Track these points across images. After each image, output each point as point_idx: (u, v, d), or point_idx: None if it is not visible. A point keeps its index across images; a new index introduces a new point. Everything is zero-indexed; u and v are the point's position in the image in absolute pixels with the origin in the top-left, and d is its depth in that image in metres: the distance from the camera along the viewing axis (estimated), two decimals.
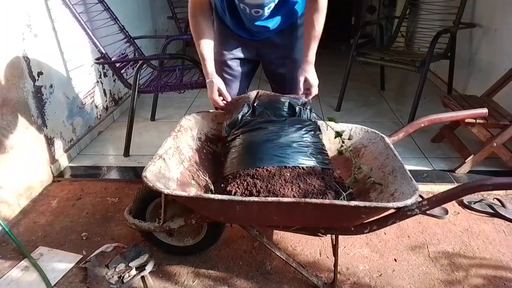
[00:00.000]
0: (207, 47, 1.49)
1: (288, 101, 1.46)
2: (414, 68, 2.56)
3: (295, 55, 1.61)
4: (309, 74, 1.49)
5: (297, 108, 1.45)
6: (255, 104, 1.48)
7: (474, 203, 1.84)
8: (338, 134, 1.51)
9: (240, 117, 1.45)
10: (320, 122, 1.52)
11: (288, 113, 1.45)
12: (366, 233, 1.25)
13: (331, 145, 1.57)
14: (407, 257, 1.57)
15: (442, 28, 2.62)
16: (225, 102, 1.53)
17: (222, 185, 1.33)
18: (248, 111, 1.47)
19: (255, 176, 1.28)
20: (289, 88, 1.62)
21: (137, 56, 2.57)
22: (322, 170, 1.32)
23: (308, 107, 1.48)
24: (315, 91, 1.51)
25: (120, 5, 2.79)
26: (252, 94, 1.52)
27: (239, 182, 1.28)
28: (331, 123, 1.53)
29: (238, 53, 1.63)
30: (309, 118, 1.46)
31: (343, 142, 1.51)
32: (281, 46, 1.60)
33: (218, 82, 1.50)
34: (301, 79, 1.49)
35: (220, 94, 1.52)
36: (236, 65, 1.65)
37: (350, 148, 1.49)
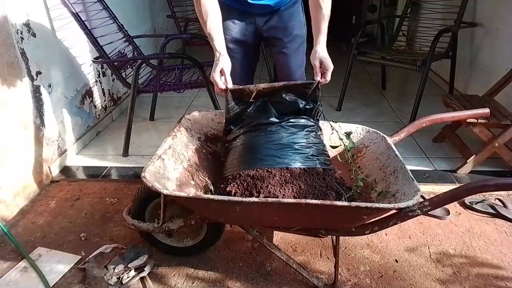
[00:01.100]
0: (214, 25, 1.42)
1: (295, 99, 1.42)
2: (415, 68, 2.55)
3: (293, 31, 1.66)
4: (324, 57, 1.40)
5: (301, 106, 1.41)
6: (257, 99, 1.43)
7: (475, 204, 1.83)
8: (334, 147, 1.51)
9: (240, 111, 1.41)
10: (320, 122, 1.50)
11: (291, 110, 1.42)
12: (367, 234, 1.24)
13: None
14: (408, 258, 1.55)
15: (443, 27, 2.61)
16: (225, 86, 1.40)
17: (222, 185, 1.32)
18: (250, 106, 1.43)
19: (255, 176, 1.27)
20: (291, 66, 1.67)
21: (136, 55, 2.56)
22: (323, 171, 1.31)
23: (319, 101, 1.42)
24: (329, 76, 1.41)
25: (119, 4, 2.78)
26: (254, 87, 1.44)
27: (239, 182, 1.27)
28: (335, 125, 1.50)
29: (237, 33, 1.62)
30: (314, 114, 1.43)
31: (347, 151, 1.46)
32: (279, 23, 1.63)
33: (223, 62, 1.39)
34: (317, 63, 1.40)
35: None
36: (236, 48, 1.64)
37: (350, 161, 1.46)
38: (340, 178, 1.41)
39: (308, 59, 1.49)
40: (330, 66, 1.39)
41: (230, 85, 1.40)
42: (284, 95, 1.42)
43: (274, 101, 1.43)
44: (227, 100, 1.42)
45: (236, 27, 1.63)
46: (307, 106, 1.43)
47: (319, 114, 1.44)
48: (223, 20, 1.52)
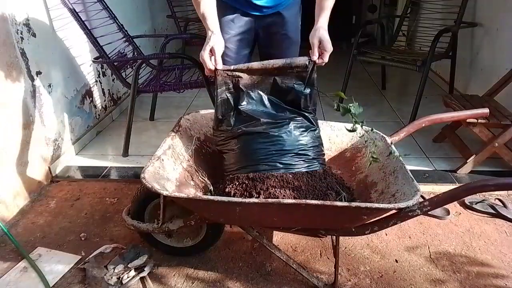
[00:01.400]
0: (208, 5, 1.36)
1: (292, 84, 1.33)
2: (415, 68, 2.55)
3: (290, 33, 1.63)
4: (324, 36, 1.31)
5: (300, 90, 1.34)
6: (252, 89, 1.34)
7: (475, 204, 1.83)
8: (351, 131, 1.37)
9: (231, 97, 1.34)
10: (320, 122, 1.50)
11: (291, 97, 1.36)
12: (367, 234, 1.24)
13: (331, 145, 1.56)
14: (408, 258, 1.55)
15: (443, 27, 2.61)
16: (214, 66, 1.31)
17: (221, 186, 1.32)
18: (242, 92, 1.34)
19: (255, 177, 1.27)
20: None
21: (136, 55, 2.56)
22: (323, 172, 1.31)
23: (315, 85, 1.34)
24: (327, 58, 1.32)
25: (119, 4, 2.78)
26: (244, 67, 1.32)
27: (237, 183, 1.27)
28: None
29: (236, 33, 1.60)
30: (312, 100, 1.37)
31: (355, 122, 1.34)
32: (278, 22, 1.60)
33: (214, 40, 1.30)
34: (316, 42, 1.30)
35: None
36: (235, 48, 1.61)
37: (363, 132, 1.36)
38: (340, 178, 1.41)
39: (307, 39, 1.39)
40: (329, 47, 1.30)
41: (220, 66, 1.31)
42: (280, 83, 1.34)
43: (272, 90, 1.35)
44: (217, 84, 1.32)
45: (235, 27, 1.62)
46: (306, 92, 1.35)
47: (315, 101, 1.38)
48: (221, 17, 1.50)
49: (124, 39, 2.51)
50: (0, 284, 1.44)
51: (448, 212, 1.79)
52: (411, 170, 1.23)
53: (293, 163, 1.30)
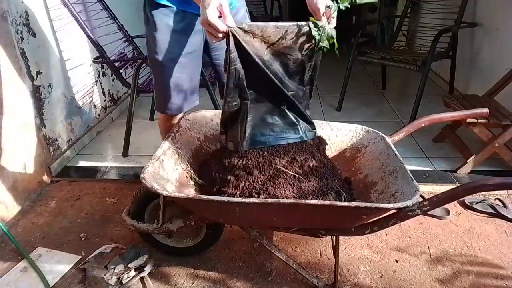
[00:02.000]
0: None
1: (302, 59, 1.25)
2: (415, 68, 2.55)
3: None
4: (328, 2, 1.21)
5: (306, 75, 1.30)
6: (262, 62, 1.19)
7: (475, 204, 1.83)
8: None
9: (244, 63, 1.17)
10: (320, 122, 1.50)
11: (296, 71, 1.28)
12: (366, 233, 1.24)
13: (331, 145, 1.55)
14: (408, 258, 1.55)
15: (443, 27, 2.61)
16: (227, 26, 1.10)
17: (222, 188, 1.32)
18: (254, 73, 1.17)
19: (255, 178, 1.27)
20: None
21: (136, 55, 2.56)
22: (323, 171, 1.31)
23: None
24: (335, 22, 1.24)
25: (119, 4, 2.77)
26: (259, 31, 1.15)
27: (236, 183, 1.27)
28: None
29: (190, 45, 1.44)
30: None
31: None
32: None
33: None
34: (322, 7, 1.19)
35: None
36: (188, 62, 1.45)
37: None
38: (339, 177, 1.41)
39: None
40: (333, 15, 1.20)
41: (232, 23, 1.11)
42: (286, 54, 1.21)
43: (281, 63, 1.24)
44: (230, 48, 1.12)
45: (189, 39, 1.45)
46: (311, 61, 1.30)
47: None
48: (178, 28, 1.41)
49: (124, 39, 2.51)
50: (0, 284, 1.44)
51: (448, 212, 1.79)
52: (411, 170, 1.23)
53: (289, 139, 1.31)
